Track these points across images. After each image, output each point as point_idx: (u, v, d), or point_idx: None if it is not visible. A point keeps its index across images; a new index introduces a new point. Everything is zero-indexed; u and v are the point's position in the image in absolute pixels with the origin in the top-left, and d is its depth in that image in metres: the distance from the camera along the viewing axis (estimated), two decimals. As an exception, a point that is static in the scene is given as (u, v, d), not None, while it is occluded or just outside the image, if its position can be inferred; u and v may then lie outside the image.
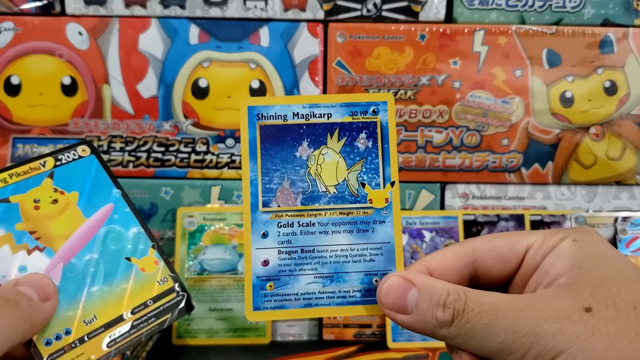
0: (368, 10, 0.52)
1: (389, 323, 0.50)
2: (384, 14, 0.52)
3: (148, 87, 0.52)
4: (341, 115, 0.30)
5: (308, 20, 0.52)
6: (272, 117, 0.30)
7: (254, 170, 0.30)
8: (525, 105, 0.53)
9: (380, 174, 0.31)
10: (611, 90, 0.53)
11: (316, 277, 0.30)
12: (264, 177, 0.30)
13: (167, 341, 0.49)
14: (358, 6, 0.52)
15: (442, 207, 0.54)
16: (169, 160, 0.53)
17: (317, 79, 0.52)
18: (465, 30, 0.52)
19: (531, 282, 0.26)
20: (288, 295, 0.30)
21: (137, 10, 0.51)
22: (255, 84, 0.52)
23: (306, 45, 0.52)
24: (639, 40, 0.52)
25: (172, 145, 0.53)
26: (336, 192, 0.30)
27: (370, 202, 0.30)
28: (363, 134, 0.30)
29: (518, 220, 0.52)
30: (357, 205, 0.30)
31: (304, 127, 0.30)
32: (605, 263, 0.24)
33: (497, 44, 0.52)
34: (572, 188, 0.54)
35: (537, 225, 0.52)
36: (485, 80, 0.52)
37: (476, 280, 0.28)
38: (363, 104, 0.31)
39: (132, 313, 0.30)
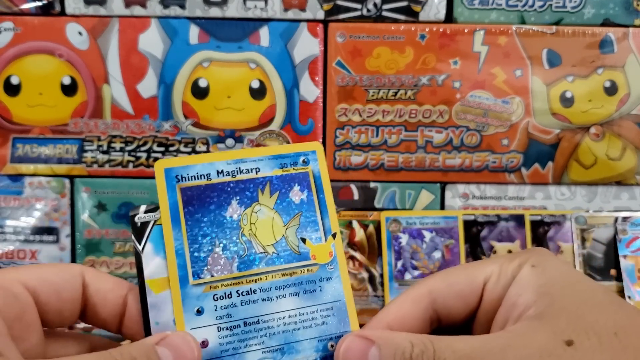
0: (368, 10, 0.52)
1: None
2: (384, 13, 0.52)
3: (148, 87, 0.52)
4: (270, 168, 0.28)
5: (308, 20, 0.52)
6: (193, 178, 0.27)
7: (178, 238, 0.26)
8: (525, 105, 0.53)
9: (320, 226, 0.28)
10: (611, 90, 0.53)
11: (265, 352, 0.26)
12: (191, 246, 0.26)
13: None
14: (358, 6, 0.52)
15: (442, 207, 0.54)
16: (168, 160, 0.53)
17: (317, 78, 0.52)
18: (466, 30, 0.52)
19: (498, 318, 0.24)
20: None
21: (137, 10, 0.51)
22: (255, 84, 0.52)
23: (306, 45, 0.52)
24: (639, 40, 0.52)
25: (172, 145, 0.53)
26: (275, 251, 0.27)
27: (314, 259, 0.28)
28: (296, 186, 0.28)
29: (518, 220, 0.52)
30: (300, 263, 0.27)
31: (231, 184, 0.27)
32: (572, 288, 0.23)
33: (497, 44, 0.52)
34: (572, 188, 0.54)
35: (537, 225, 0.52)
36: (485, 80, 0.52)
37: (438, 323, 0.26)
38: (292, 155, 0.29)
39: None
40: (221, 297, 0.26)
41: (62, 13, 0.51)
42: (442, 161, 0.53)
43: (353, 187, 0.54)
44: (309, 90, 0.53)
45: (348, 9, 0.52)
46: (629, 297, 0.50)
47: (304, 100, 0.53)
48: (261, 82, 0.52)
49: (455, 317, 0.26)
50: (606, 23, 0.52)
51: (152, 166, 0.53)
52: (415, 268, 0.51)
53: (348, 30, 0.52)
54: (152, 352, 0.23)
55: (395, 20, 0.52)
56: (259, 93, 0.52)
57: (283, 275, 0.27)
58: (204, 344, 0.25)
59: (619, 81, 0.53)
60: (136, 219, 0.26)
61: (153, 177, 0.55)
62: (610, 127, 0.53)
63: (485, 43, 0.52)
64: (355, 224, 0.52)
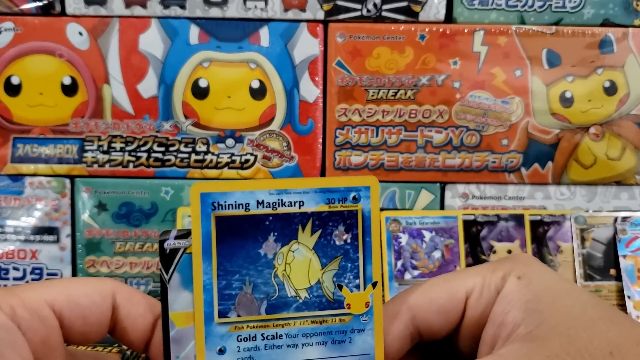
0: (368, 11, 0.52)
1: None
2: (384, 14, 0.52)
3: (148, 87, 0.52)
4: (315, 203, 0.25)
5: (308, 21, 0.52)
6: (231, 207, 0.24)
7: (207, 272, 0.24)
8: (525, 106, 0.53)
9: (361, 273, 0.26)
10: (611, 90, 0.53)
11: None
12: (220, 282, 0.24)
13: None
14: (358, 6, 0.52)
15: (442, 207, 0.54)
16: (169, 160, 0.53)
17: (317, 79, 0.52)
18: (465, 31, 0.52)
19: (486, 337, 0.23)
20: None
21: (137, 10, 0.51)
22: (255, 84, 0.52)
23: (306, 45, 0.52)
24: (639, 41, 0.53)
25: (172, 145, 0.53)
26: (308, 296, 0.25)
27: (348, 308, 0.25)
28: (341, 227, 0.25)
29: (518, 220, 0.52)
30: (333, 311, 0.25)
31: (271, 218, 0.25)
32: (562, 302, 0.22)
33: (497, 44, 0.52)
34: (571, 188, 0.54)
35: (537, 225, 0.52)
36: (485, 80, 0.52)
37: (420, 337, 0.25)
38: (342, 190, 0.25)
39: None
40: (245, 339, 0.25)
41: (63, 13, 0.52)
42: (442, 161, 0.53)
43: (353, 187, 0.54)
44: (309, 90, 0.53)
45: (348, 9, 0.52)
46: (629, 297, 0.50)
47: (304, 100, 0.53)
48: (261, 82, 0.52)
49: (437, 333, 0.25)
50: (606, 23, 0.52)
51: (152, 166, 0.53)
52: (415, 268, 0.51)
53: (348, 31, 0.52)
54: None
55: (395, 21, 0.52)
56: (259, 93, 0.53)
57: (313, 322, 0.25)
58: None
59: (619, 81, 0.53)
60: (165, 245, 0.25)
61: (153, 177, 0.55)
62: (610, 127, 0.54)
63: (485, 43, 0.52)
64: (355, 224, 0.52)
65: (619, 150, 0.54)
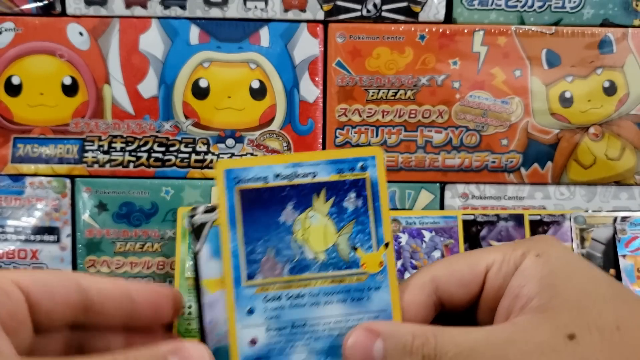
0: (368, 11, 0.52)
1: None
2: (384, 14, 0.52)
3: (148, 87, 0.52)
4: (327, 173, 0.28)
5: (308, 21, 0.52)
6: (251, 180, 0.27)
7: (234, 240, 0.27)
8: (524, 106, 0.53)
9: (373, 235, 0.28)
10: (610, 90, 0.53)
11: (310, 353, 0.27)
12: (246, 247, 0.27)
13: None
14: (358, 7, 0.52)
15: (442, 207, 0.54)
16: (169, 160, 0.53)
17: (317, 79, 0.53)
18: (465, 31, 0.52)
19: (501, 308, 0.24)
20: None
21: (138, 10, 0.51)
22: (256, 84, 0.52)
23: (306, 46, 0.52)
24: (639, 41, 0.53)
25: (173, 145, 0.53)
26: (326, 258, 0.28)
27: (364, 267, 0.28)
28: (352, 193, 0.28)
29: (517, 220, 0.52)
30: (350, 271, 0.28)
31: (287, 189, 0.28)
32: (576, 279, 0.23)
33: (496, 44, 0.52)
34: (571, 188, 0.54)
35: (536, 224, 0.52)
36: (484, 80, 0.52)
37: (442, 307, 0.27)
38: (350, 160, 0.28)
39: None
40: (271, 299, 0.27)
41: (63, 13, 0.52)
42: (442, 161, 0.53)
43: (353, 187, 0.54)
44: (309, 90, 0.53)
45: (348, 10, 0.52)
46: (628, 297, 0.51)
47: (304, 100, 0.53)
48: (261, 82, 0.53)
49: (457, 303, 0.26)
50: (605, 23, 0.52)
51: (153, 166, 0.53)
52: (414, 267, 0.51)
53: (348, 31, 0.52)
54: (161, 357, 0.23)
55: (395, 21, 0.52)
56: (259, 93, 0.53)
57: (332, 282, 0.28)
58: (253, 342, 0.27)
59: (618, 81, 0.53)
60: (194, 219, 0.27)
61: (153, 177, 0.55)
62: (610, 127, 0.54)
63: (484, 43, 0.52)
64: (355, 224, 0.52)
65: (618, 150, 0.54)
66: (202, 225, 0.28)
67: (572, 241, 0.52)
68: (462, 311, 0.27)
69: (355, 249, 0.28)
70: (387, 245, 0.28)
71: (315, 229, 0.28)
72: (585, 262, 0.24)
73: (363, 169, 0.28)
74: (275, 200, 0.27)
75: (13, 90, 0.52)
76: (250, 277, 0.27)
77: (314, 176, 0.28)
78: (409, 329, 0.23)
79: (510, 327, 0.22)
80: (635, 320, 0.21)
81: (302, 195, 0.28)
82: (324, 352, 0.27)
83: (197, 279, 0.27)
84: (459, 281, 0.26)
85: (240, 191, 0.27)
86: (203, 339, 0.28)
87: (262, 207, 0.27)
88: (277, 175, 0.27)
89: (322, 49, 0.52)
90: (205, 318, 0.27)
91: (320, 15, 0.52)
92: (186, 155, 0.53)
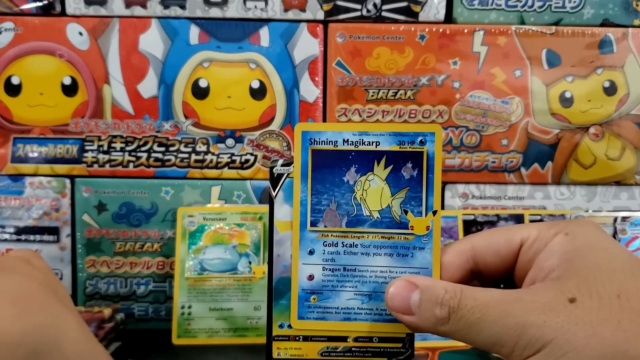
0: (368, 11, 0.52)
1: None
2: (384, 14, 0.52)
3: (148, 87, 0.52)
4: (389, 144, 0.31)
5: (308, 21, 0.52)
6: (323, 143, 0.31)
7: (304, 191, 0.32)
8: (524, 106, 0.53)
9: (423, 202, 0.32)
10: (610, 90, 0.53)
11: (356, 294, 0.32)
12: (313, 199, 0.31)
13: (167, 341, 0.49)
14: (358, 6, 0.52)
15: (442, 206, 0.54)
16: (169, 160, 0.53)
17: (317, 79, 0.53)
18: (465, 31, 0.52)
19: (528, 279, 0.27)
20: (329, 308, 0.32)
21: (138, 10, 0.51)
22: (255, 84, 0.52)
23: (306, 46, 0.52)
24: (639, 41, 0.53)
25: (173, 145, 0.53)
26: (379, 217, 0.32)
27: (412, 229, 0.31)
28: (409, 164, 0.31)
29: (517, 220, 0.52)
30: (399, 230, 0.31)
31: (353, 153, 0.32)
32: (594, 254, 0.25)
33: (496, 44, 0.52)
34: (571, 188, 0.54)
35: (536, 225, 0.52)
36: (484, 80, 0.52)
37: (479, 275, 0.29)
38: (411, 134, 0.32)
39: (355, 340, 0.32)
40: (329, 245, 0.32)
41: (63, 13, 0.52)
42: (442, 161, 0.53)
43: (353, 187, 0.54)
44: (309, 90, 0.53)
45: (348, 10, 0.52)
46: (628, 297, 0.51)
47: (304, 100, 0.53)
48: (261, 82, 0.52)
49: (493, 272, 0.29)
50: (605, 23, 0.52)
51: (153, 166, 0.53)
52: (415, 268, 0.51)
53: (348, 31, 0.52)
54: None
55: (395, 21, 0.52)
56: (259, 93, 0.53)
57: (382, 237, 0.31)
58: (311, 277, 0.32)
59: (618, 81, 0.53)
60: (274, 170, 0.32)
61: (153, 177, 0.55)
62: (610, 127, 0.54)
63: (484, 43, 0.52)
64: (355, 224, 0.52)
65: (618, 150, 0.54)
66: (280, 175, 0.32)
67: (572, 241, 0.52)
68: (500, 280, 0.30)
69: (406, 212, 0.31)
70: (435, 212, 0.31)
71: (373, 191, 0.32)
72: (610, 241, 0.26)
73: (422, 143, 0.32)
74: (341, 162, 0.31)
75: (13, 90, 0.52)
76: (314, 224, 0.32)
77: (377, 145, 0.31)
78: (442, 285, 0.26)
79: (524, 290, 0.25)
80: (638, 290, 0.23)
81: (366, 160, 0.32)
82: (367, 295, 0.31)
83: (271, 219, 0.32)
84: (496, 252, 0.28)
85: (313, 151, 0.31)
86: (270, 269, 0.32)
87: (330, 166, 0.31)
88: (346, 141, 0.32)
89: (322, 48, 0.52)
90: (274, 252, 0.32)
91: (320, 15, 0.52)
92: (186, 155, 0.53)
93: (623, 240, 0.52)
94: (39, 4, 0.51)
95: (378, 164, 0.32)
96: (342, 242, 0.32)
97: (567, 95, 0.53)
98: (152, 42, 0.52)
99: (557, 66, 0.53)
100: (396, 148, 0.31)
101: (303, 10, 0.52)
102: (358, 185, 0.32)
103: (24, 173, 0.53)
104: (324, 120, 0.53)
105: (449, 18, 0.52)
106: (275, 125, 0.53)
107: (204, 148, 0.53)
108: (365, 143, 0.32)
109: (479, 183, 0.54)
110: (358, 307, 0.32)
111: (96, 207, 0.53)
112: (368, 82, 0.52)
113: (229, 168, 0.53)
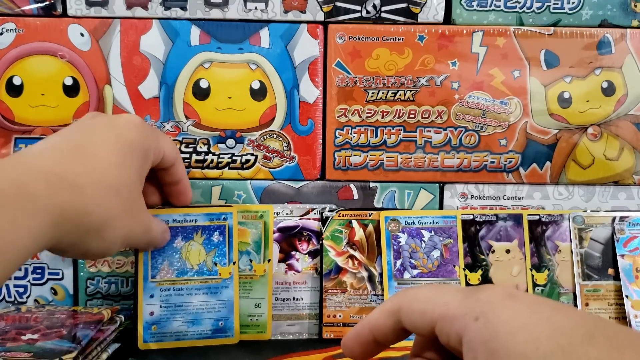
0: (367, 12, 0.52)
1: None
2: (383, 15, 0.52)
3: (149, 88, 0.53)
4: (203, 220, 0.49)
5: (308, 22, 0.52)
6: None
7: (145, 254, 0.48)
8: (523, 106, 0.53)
9: (227, 257, 0.49)
10: (609, 90, 0.53)
11: (184, 322, 0.48)
12: (152, 260, 0.48)
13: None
14: (357, 8, 0.52)
15: (441, 207, 0.54)
16: (170, 160, 0.53)
17: (317, 79, 0.53)
18: (464, 32, 0.52)
19: None
20: (165, 333, 0.47)
21: (139, 11, 0.52)
22: (256, 85, 0.53)
23: (306, 47, 0.52)
24: (637, 41, 0.53)
25: (173, 145, 0.53)
26: (198, 268, 0.48)
27: (220, 275, 0.48)
28: (216, 233, 0.49)
29: (516, 220, 0.53)
30: (211, 277, 0.48)
31: (179, 228, 0.49)
32: (515, 339, 0.23)
33: (495, 45, 0.52)
34: (570, 188, 0.55)
35: (535, 224, 0.53)
36: (483, 81, 0.53)
37: (406, 330, 0.29)
38: (217, 214, 0.49)
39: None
40: (164, 290, 0.48)
41: (64, 14, 0.52)
42: (441, 161, 0.54)
43: (352, 187, 0.54)
44: (309, 91, 0.53)
45: (347, 11, 0.52)
46: (627, 296, 0.51)
47: (304, 101, 0.53)
48: (261, 83, 0.53)
49: (424, 333, 0.28)
50: (604, 24, 0.53)
51: (153, 166, 0.53)
52: (414, 267, 0.51)
53: (347, 32, 0.52)
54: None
55: (395, 22, 0.52)
56: (259, 94, 0.53)
57: (201, 282, 0.48)
58: (152, 313, 0.47)
59: (617, 82, 0.53)
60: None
61: (154, 178, 0.55)
62: (608, 127, 0.54)
63: (483, 44, 0.52)
64: (354, 224, 0.52)
65: (616, 151, 0.54)
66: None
67: (570, 241, 0.53)
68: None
69: (216, 264, 0.48)
70: (234, 263, 0.49)
71: (194, 252, 0.48)
72: (526, 313, 0.24)
73: (225, 219, 0.49)
74: (173, 234, 0.48)
75: (14, 90, 0.52)
76: (153, 277, 0.48)
77: (196, 222, 0.49)
78: None
79: None
80: None
81: (188, 232, 0.49)
82: (192, 321, 0.48)
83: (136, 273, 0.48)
84: (421, 316, 0.28)
85: None
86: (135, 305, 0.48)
87: None
88: (175, 220, 0.49)
89: (322, 49, 0.53)
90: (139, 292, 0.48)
91: (320, 16, 0.52)
92: (187, 156, 0.53)
93: (621, 240, 0.52)
94: (41, 5, 0.52)
95: (197, 234, 0.48)
96: (173, 288, 0.48)
97: (566, 95, 0.53)
98: (153, 43, 0.52)
99: (556, 67, 0.53)
100: (208, 223, 0.49)
101: (303, 11, 0.52)
102: (184, 248, 0.48)
103: (25, 173, 0.53)
104: (324, 120, 0.53)
105: (448, 19, 0.53)
106: (275, 126, 0.53)
107: (204, 148, 0.53)
108: (188, 220, 0.48)
109: (478, 183, 0.54)
110: (185, 331, 0.47)
111: (97, 207, 0.53)
112: (368, 83, 0.53)
113: (230, 168, 0.54)
